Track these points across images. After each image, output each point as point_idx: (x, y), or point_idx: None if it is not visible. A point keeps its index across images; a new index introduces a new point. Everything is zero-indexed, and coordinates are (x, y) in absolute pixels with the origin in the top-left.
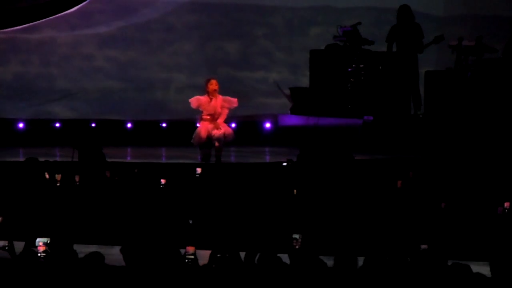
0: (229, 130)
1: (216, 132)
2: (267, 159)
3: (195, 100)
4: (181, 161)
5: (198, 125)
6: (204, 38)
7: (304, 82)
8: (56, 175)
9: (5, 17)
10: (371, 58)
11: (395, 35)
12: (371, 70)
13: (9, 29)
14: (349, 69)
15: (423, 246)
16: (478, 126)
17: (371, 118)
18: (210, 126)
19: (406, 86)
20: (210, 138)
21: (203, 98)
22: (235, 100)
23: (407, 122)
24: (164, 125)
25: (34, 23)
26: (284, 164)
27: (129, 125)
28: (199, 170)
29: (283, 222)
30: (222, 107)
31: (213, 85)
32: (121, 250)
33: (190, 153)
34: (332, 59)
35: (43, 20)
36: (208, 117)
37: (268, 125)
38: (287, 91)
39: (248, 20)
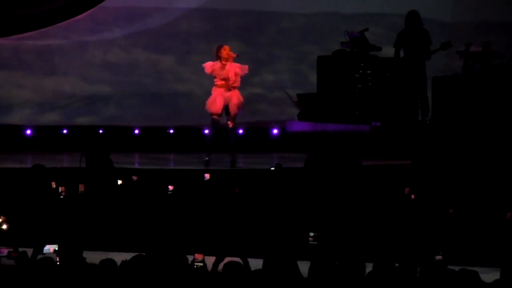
0: (241, 104)
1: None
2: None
3: (209, 66)
4: (189, 167)
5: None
6: (213, 44)
7: (312, 88)
8: (60, 187)
9: (9, 24)
10: (379, 64)
11: (403, 41)
12: (379, 76)
13: (14, 36)
14: (357, 75)
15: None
16: (486, 131)
17: (378, 124)
18: (226, 94)
19: (413, 92)
20: (226, 108)
21: (216, 64)
22: (246, 67)
23: (415, 128)
24: (171, 131)
25: (40, 29)
26: (272, 168)
27: (136, 131)
28: (207, 176)
29: (291, 227)
30: (236, 74)
31: (227, 50)
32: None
33: (198, 159)
34: (340, 65)
35: (50, 27)
36: (223, 82)
37: (275, 131)
38: (295, 97)
39: (257, 26)
